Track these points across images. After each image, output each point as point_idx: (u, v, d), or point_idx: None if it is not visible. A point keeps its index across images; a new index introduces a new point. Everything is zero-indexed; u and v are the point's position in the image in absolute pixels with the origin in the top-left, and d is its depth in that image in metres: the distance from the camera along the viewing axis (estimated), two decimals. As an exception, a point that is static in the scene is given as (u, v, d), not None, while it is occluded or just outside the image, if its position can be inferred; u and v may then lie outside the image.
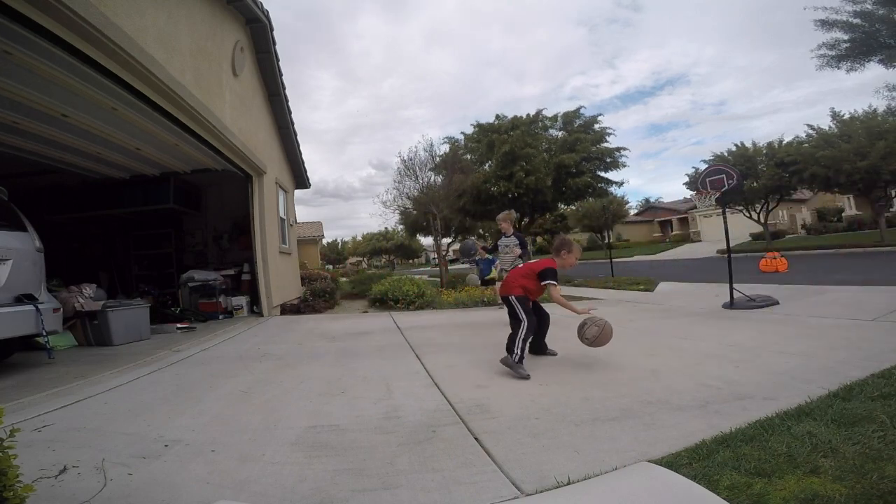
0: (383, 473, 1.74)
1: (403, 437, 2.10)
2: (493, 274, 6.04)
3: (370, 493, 1.60)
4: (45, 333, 3.72)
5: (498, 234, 6.15)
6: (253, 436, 2.17)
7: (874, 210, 18.09)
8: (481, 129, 15.30)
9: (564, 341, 3.78)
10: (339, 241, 59.48)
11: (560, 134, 15.14)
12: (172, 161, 6.74)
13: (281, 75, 8.18)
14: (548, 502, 1.51)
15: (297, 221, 13.56)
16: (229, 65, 6.23)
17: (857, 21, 9.96)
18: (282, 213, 9.21)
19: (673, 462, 1.69)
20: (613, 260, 14.06)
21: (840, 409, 2.05)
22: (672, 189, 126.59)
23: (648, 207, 51.33)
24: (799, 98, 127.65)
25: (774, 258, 10.18)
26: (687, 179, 22.47)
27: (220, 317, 7.25)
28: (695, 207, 31.71)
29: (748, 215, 22.54)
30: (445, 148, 15.56)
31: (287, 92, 8.68)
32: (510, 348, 3.13)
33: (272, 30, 7.27)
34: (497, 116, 15.32)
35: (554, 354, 3.60)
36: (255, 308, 7.73)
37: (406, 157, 12.41)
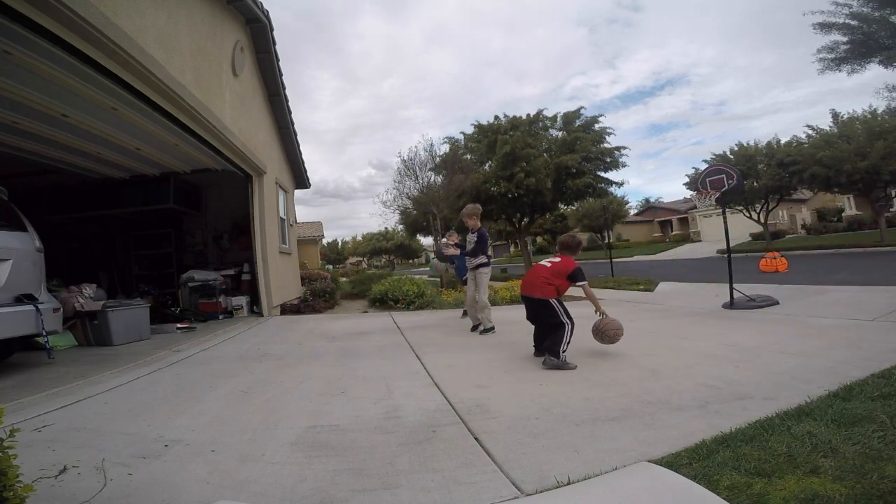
0: (383, 473, 1.74)
1: (403, 437, 2.10)
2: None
3: (370, 493, 1.60)
4: (45, 333, 3.72)
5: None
6: (253, 436, 2.17)
7: (874, 210, 18.09)
8: (481, 129, 15.31)
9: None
10: (339, 241, 59.59)
11: (560, 134, 15.15)
12: (172, 161, 6.74)
13: (281, 75, 8.18)
14: (548, 502, 1.51)
15: (297, 221, 13.56)
16: (229, 65, 6.23)
17: (854, 23, 9.97)
18: (282, 213, 9.21)
19: (673, 462, 1.69)
20: (613, 260, 14.08)
21: (840, 409, 2.05)
22: (672, 189, 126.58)
23: (648, 207, 51.31)
24: (799, 98, 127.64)
25: (774, 258, 10.18)
26: (687, 179, 22.49)
27: (220, 317, 7.25)
28: (695, 207, 31.72)
29: (748, 215, 22.54)
30: (445, 148, 15.59)
31: (287, 92, 8.69)
32: (552, 350, 3.27)
33: (272, 30, 7.27)
34: (497, 117, 15.34)
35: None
36: (255, 308, 7.73)
37: (406, 157, 12.44)
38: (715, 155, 21.82)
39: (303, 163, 10.80)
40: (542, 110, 15.30)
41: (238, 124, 6.43)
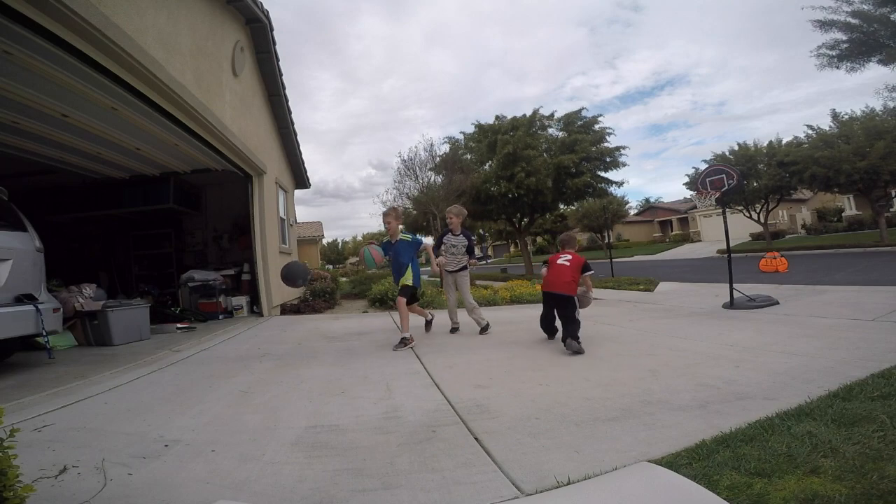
0: (383, 473, 1.74)
1: (403, 438, 2.09)
2: (409, 279, 4.51)
3: (370, 493, 1.60)
4: (45, 333, 3.72)
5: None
6: (253, 436, 2.17)
7: (874, 210, 18.09)
8: (481, 129, 15.31)
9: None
10: (339, 241, 59.56)
11: (560, 134, 15.16)
12: (172, 161, 6.74)
13: (281, 75, 8.18)
14: (548, 502, 1.51)
15: (297, 221, 13.56)
16: (229, 65, 6.23)
17: (855, 21, 9.97)
18: (282, 213, 9.21)
19: (673, 462, 1.69)
20: (613, 260, 14.07)
21: (840, 409, 2.05)
22: (672, 189, 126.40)
23: (648, 207, 51.32)
24: (799, 98, 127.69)
25: (774, 258, 10.20)
26: (687, 179, 22.50)
27: (220, 317, 7.25)
28: (695, 207, 31.72)
29: (748, 215, 22.54)
30: (445, 148, 15.59)
31: (287, 92, 8.69)
32: (575, 336, 3.71)
33: (272, 30, 7.27)
34: (497, 117, 15.34)
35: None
36: (255, 308, 7.73)
37: (406, 158, 12.43)
38: (715, 155, 21.84)
39: (303, 163, 10.81)
40: (537, 109, 15.33)
41: (238, 124, 6.44)
